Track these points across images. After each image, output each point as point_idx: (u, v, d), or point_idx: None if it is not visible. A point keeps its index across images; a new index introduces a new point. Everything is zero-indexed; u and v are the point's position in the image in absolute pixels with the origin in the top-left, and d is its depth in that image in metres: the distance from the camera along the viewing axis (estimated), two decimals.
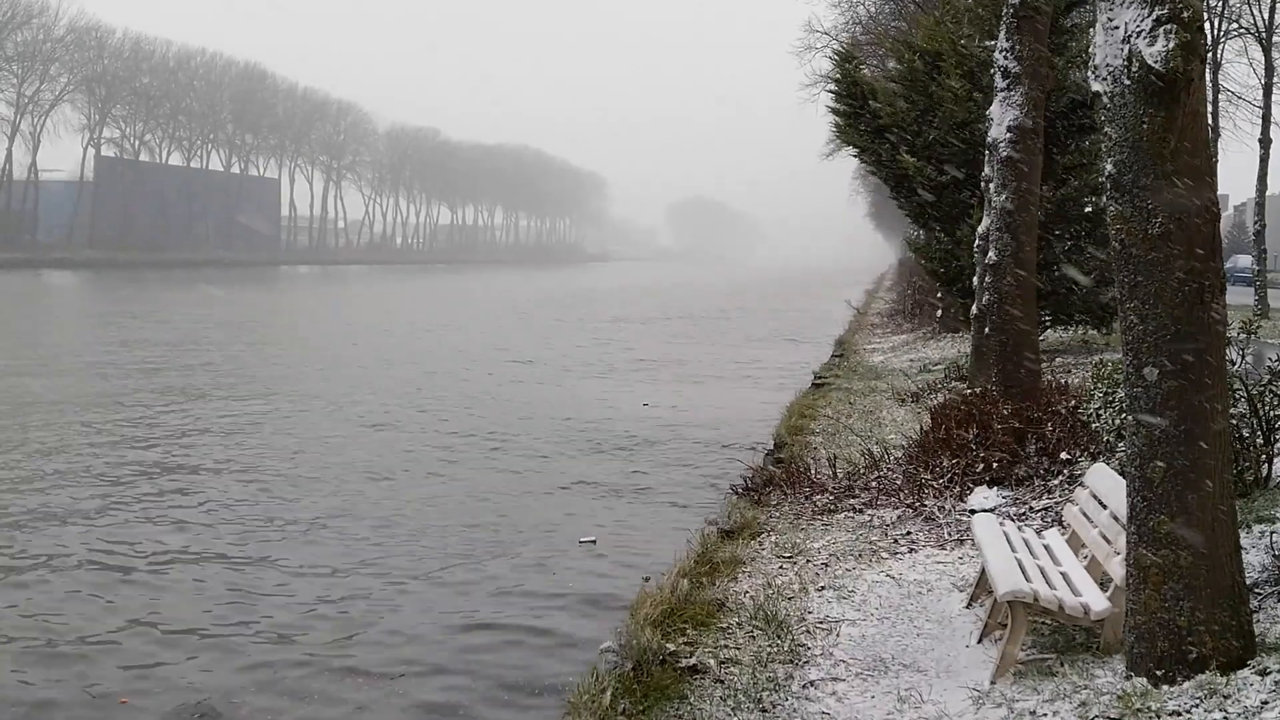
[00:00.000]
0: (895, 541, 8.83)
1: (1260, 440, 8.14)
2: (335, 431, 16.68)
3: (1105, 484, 6.65)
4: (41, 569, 9.54)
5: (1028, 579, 6.01)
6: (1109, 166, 5.17)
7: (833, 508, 9.83)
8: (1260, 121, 30.24)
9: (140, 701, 6.96)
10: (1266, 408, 8.14)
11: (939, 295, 27.42)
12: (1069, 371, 16.10)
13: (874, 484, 10.39)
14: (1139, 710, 4.82)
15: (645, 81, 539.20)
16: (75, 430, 16.10)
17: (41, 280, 70.50)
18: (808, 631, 6.83)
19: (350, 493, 12.55)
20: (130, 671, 7.43)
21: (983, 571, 6.85)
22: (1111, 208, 5.19)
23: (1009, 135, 12.93)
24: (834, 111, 22.45)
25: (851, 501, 9.98)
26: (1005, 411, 11.06)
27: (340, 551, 10.19)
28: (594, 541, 10.39)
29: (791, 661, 6.34)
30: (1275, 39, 30.22)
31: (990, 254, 13.19)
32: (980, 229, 14.75)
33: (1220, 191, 5.88)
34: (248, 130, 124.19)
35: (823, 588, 7.71)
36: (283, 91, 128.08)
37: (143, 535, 10.63)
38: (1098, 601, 5.93)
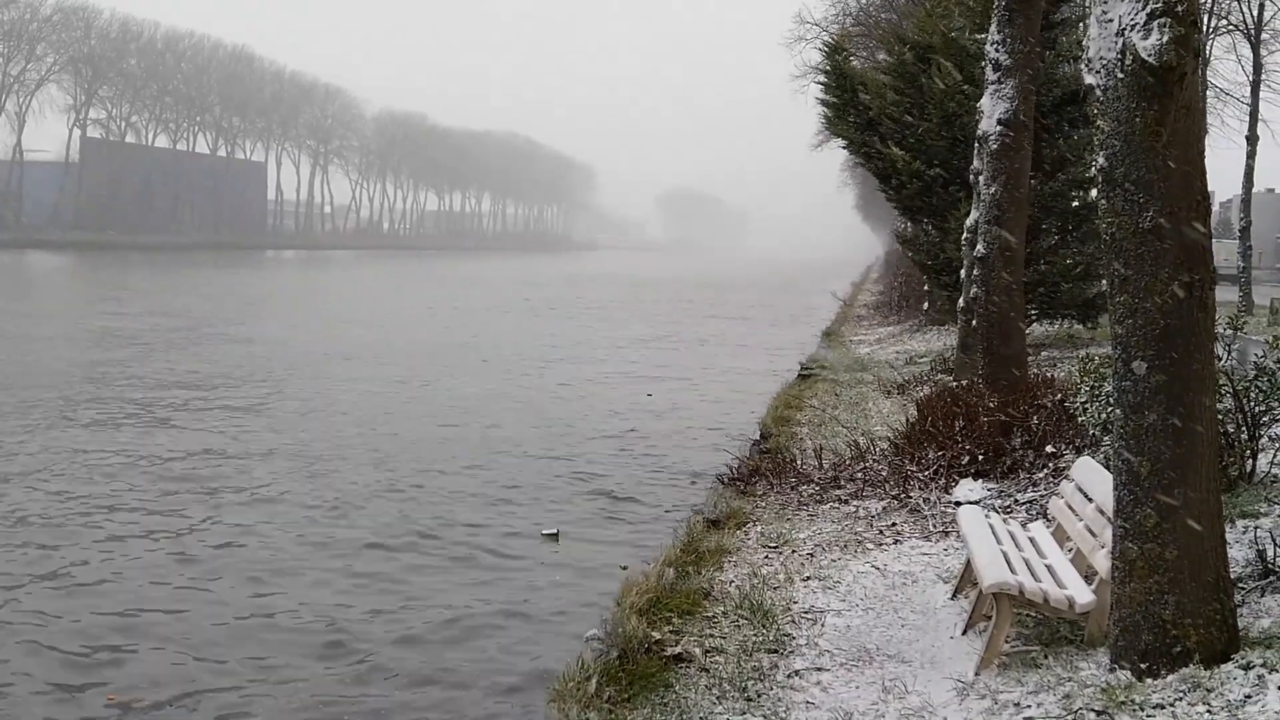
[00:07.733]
0: (881, 533, 8.84)
1: (1245, 435, 8.18)
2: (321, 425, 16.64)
3: (1091, 477, 6.66)
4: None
5: (1013, 571, 6.02)
6: (1101, 160, 5.16)
7: (818, 498, 9.85)
8: (1248, 119, 30.42)
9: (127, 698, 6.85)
10: (1251, 403, 8.18)
11: (926, 288, 27.48)
12: (1055, 365, 16.13)
13: (860, 475, 10.41)
14: (1123, 703, 4.83)
15: (636, 72, 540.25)
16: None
17: (31, 261, 69.82)
18: (793, 621, 6.84)
19: (335, 480, 12.50)
20: (120, 668, 7.31)
21: (968, 563, 6.87)
22: (1103, 201, 5.19)
23: (999, 128, 12.93)
24: (823, 103, 22.47)
25: (837, 492, 9.99)
26: (991, 404, 11.08)
27: (312, 542, 10.13)
28: (556, 534, 10.26)
29: (776, 651, 6.34)
30: (1264, 36, 30.37)
31: (978, 247, 13.20)
32: (968, 222, 14.76)
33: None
34: (235, 113, 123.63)
35: (808, 578, 7.72)
36: (270, 75, 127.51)
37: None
38: (1082, 594, 5.94)
